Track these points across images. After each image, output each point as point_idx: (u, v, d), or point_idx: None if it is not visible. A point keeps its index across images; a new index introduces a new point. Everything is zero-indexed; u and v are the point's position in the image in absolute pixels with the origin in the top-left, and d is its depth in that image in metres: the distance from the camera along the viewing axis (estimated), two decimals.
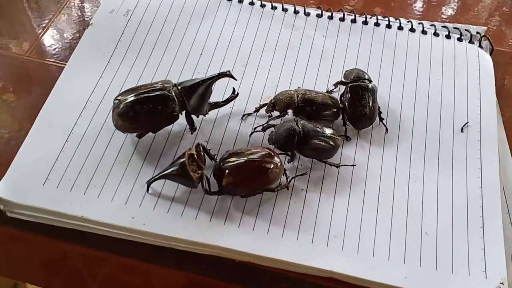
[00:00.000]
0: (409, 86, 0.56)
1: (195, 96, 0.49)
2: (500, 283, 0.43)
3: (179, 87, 0.49)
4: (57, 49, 0.60)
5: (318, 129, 0.49)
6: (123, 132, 0.50)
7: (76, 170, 0.48)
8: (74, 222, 0.46)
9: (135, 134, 0.50)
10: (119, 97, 0.49)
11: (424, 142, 0.52)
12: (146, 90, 0.49)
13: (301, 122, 0.49)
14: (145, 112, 0.48)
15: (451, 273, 0.44)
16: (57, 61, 0.58)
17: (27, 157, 0.48)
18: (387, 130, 0.53)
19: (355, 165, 0.50)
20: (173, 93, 0.48)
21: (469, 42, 0.61)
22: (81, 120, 0.51)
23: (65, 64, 0.56)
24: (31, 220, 0.46)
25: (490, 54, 0.60)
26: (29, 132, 0.50)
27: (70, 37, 0.61)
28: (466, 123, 0.54)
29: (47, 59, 0.59)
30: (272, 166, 0.46)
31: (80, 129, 0.51)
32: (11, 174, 0.47)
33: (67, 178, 0.47)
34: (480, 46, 0.61)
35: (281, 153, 0.49)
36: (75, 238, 0.46)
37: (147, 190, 0.47)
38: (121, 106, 0.48)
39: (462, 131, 0.53)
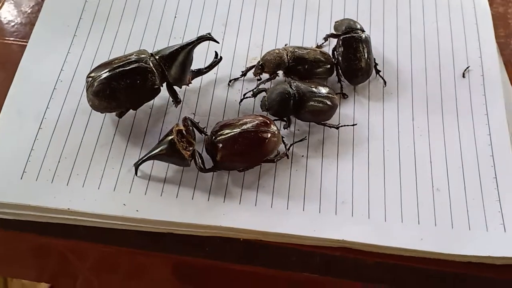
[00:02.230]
0: (403, 33, 0.53)
1: (175, 65, 0.45)
2: None
3: (157, 57, 0.44)
4: (16, 26, 0.54)
5: (313, 89, 0.46)
6: (101, 112, 0.45)
7: (55, 159, 0.44)
8: (60, 216, 0.42)
9: (115, 113, 0.45)
10: (92, 74, 0.44)
11: (425, 91, 0.49)
12: (121, 63, 0.44)
13: (295, 83, 0.46)
14: (122, 88, 0.43)
15: (468, 230, 0.42)
16: (17, 39, 0.53)
17: None
18: (385, 82, 0.50)
19: (355, 124, 0.47)
20: (151, 64, 0.44)
21: None
22: (53, 103, 0.47)
23: (27, 42, 0.51)
24: (12, 219, 0.42)
25: None
26: None
27: (29, 11, 0.55)
28: (467, 68, 0.51)
29: (6, 38, 0.53)
30: (269, 135, 0.42)
31: (53, 113, 0.46)
32: None
33: (47, 169, 0.43)
34: None
35: (275, 119, 0.45)
36: (63, 233, 0.42)
37: (136, 173, 0.43)
38: (95, 84, 0.43)
39: (463, 76, 0.50)
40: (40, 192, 0.42)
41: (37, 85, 0.48)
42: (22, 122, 0.45)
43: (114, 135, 0.46)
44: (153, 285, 0.46)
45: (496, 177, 0.44)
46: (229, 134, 0.42)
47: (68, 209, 0.41)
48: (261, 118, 0.43)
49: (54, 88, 0.48)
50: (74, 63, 0.49)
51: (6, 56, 0.51)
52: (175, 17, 0.53)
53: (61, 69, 0.49)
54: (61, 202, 0.41)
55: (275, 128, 0.43)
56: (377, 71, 0.50)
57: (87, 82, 0.44)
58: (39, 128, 0.45)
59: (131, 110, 0.46)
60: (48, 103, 0.47)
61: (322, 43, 0.52)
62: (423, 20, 0.54)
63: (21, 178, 0.43)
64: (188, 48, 0.45)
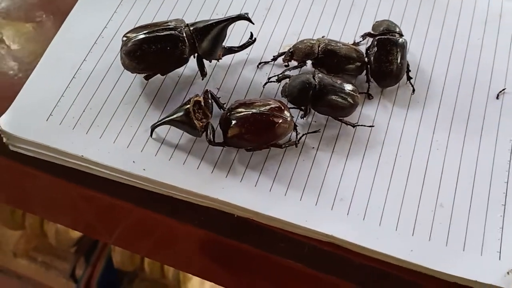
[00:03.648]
0: (445, 44, 0.51)
1: (207, 39, 0.46)
2: None
3: (191, 28, 0.46)
4: None
5: (336, 84, 0.46)
6: (131, 72, 0.48)
7: (81, 108, 0.46)
8: (74, 162, 0.44)
9: (143, 75, 0.47)
10: (128, 34, 0.47)
11: (453, 106, 0.48)
12: (156, 28, 0.46)
13: (319, 75, 0.46)
14: (152, 52, 0.45)
15: (462, 251, 0.41)
16: None
17: (33, 91, 0.47)
18: (414, 90, 0.49)
19: (373, 126, 0.46)
20: (184, 34, 0.45)
21: None
22: (90, 56, 0.49)
23: None
24: (31, 155, 0.45)
25: None
26: (37, 65, 0.48)
27: None
28: (503, 90, 0.49)
29: None
30: (280, 120, 0.43)
31: (89, 65, 0.49)
32: (16, 107, 0.46)
33: (71, 116, 0.46)
34: None
35: (293, 107, 0.46)
36: (75, 178, 0.45)
37: (151, 134, 0.45)
38: (128, 44, 0.46)
39: (497, 98, 0.49)
40: (60, 136, 0.45)
41: (80, 37, 0.50)
42: (59, 68, 0.48)
43: (140, 95, 0.48)
44: (146, 240, 0.48)
45: (505, 205, 0.43)
46: (242, 113, 0.43)
47: (82, 156, 0.44)
48: (277, 103, 0.44)
49: (95, 43, 0.50)
50: (118, 23, 0.51)
51: (59, 7, 0.54)
52: None
53: (105, 26, 0.51)
54: (77, 149, 0.44)
55: (288, 115, 0.44)
56: (409, 78, 0.49)
57: (122, 41, 0.47)
58: (73, 77, 0.48)
59: (160, 75, 0.48)
60: (86, 55, 0.49)
61: (360, 41, 0.51)
62: (469, 34, 0.52)
63: (46, 120, 0.46)
64: (222, 24, 0.46)
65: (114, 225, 0.49)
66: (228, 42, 0.48)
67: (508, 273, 0.39)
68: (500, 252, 0.40)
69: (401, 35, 0.49)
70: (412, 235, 0.41)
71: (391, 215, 0.42)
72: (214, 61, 0.48)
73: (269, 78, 0.48)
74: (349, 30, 0.52)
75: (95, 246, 0.84)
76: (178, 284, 0.83)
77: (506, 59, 0.51)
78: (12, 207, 0.78)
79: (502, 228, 0.42)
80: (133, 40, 0.46)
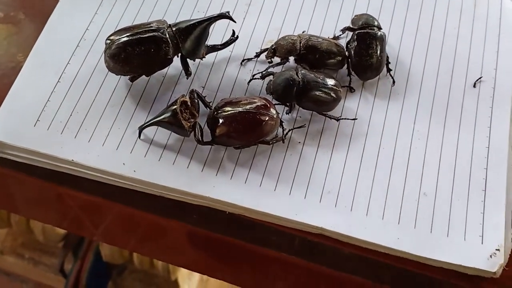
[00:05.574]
0: (422, 35, 0.53)
1: (190, 39, 0.47)
2: (496, 249, 0.42)
3: (174, 29, 0.46)
4: None
5: (319, 79, 0.47)
6: (116, 74, 0.48)
7: (68, 112, 0.47)
8: (65, 166, 0.45)
9: (128, 77, 0.48)
10: (111, 37, 0.47)
11: (432, 96, 0.50)
12: (139, 30, 0.46)
13: (302, 71, 0.47)
14: (137, 54, 0.45)
15: (446, 237, 0.43)
16: None
17: (18, 97, 0.47)
18: (394, 82, 0.50)
19: (356, 119, 0.48)
20: (167, 35, 0.46)
21: None
22: (74, 60, 0.49)
23: None
24: (22, 162, 0.45)
25: None
26: (21, 71, 0.48)
27: None
28: (480, 78, 0.51)
29: None
30: (267, 118, 0.44)
31: (73, 69, 0.49)
32: (2, 113, 0.46)
33: (58, 120, 0.46)
34: None
35: (278, 104, 0.47)
36: (67, 182, 0.46)
37: (139, 136, 0.46)
38: (112, 47, 0.46)
39: (474, 86, 0.50)
40: (49, 141, 0.45)
41: (62, 40, 0.50)
42: (44, 73, 0.48)
43: (126, 97, 0.48)
44: (140, 240, 0.49)
45: (485, 190, 0.45)
46: (229, 112, 0.44)
47: (72, 160, 0.44)
48: (263, 101, 0.45)
49: (78, 46, 0.50)
50: (100, 24, 0.51)
51: (39, 9, 0.54)
52: None
53: (87, 28, 0.51)
54: (67, 153, 0.44)
55: (274, 112, 0.45)
56: (388, 70, 0.50)
57: (106, 44, 0.47)
58: (58, 81, 0.48)
59: (144, 76, 0.48)
60: (69, 58, 0.49)
61: (340, 35, 0.52)
62: (445, 24, 0.53)
63: (34, 126, 0.46)
64: (204, 24, 0.47)
65: (108, 226, 0.50)
66: (210, 40, 0.49)
67: (491, 256, 0.41)
68: (482, 236, 0.42)
69: (379, 28, 0.50)
70: (398, 223, 0.43)
71: (377, 205, 0.44)
72: (198, 60, 0.49)
73: (253, 75, 0.49)
74: (329, 24, 0.53)
75: (82, 240, 0.84)
76: (167, 274, 0.84)
77: (482, 48, 0.52)
78: None
79: (483, 213, 0.44)
80: (116, 43, 0.46)
